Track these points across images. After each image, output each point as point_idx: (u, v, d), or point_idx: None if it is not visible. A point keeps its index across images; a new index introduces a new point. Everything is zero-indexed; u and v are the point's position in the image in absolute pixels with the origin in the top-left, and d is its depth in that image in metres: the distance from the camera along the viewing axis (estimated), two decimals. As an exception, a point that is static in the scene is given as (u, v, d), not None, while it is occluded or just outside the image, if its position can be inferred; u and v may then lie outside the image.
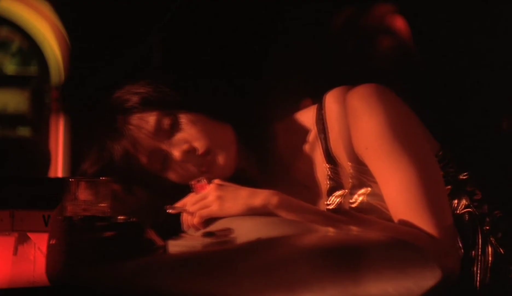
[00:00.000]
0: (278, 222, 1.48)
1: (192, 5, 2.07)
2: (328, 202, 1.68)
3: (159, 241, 1.46)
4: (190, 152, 1.64)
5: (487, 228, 1.58)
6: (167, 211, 1.58)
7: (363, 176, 1.61)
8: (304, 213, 1.52)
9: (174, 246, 1.44)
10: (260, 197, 1.52)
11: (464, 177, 1.62)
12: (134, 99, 1.67)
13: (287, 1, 2.09)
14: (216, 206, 1.53)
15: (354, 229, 1.49)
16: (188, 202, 1.57)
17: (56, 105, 2.67)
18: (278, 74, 2.00)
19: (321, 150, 1.68)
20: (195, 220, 1.54)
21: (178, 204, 1.59)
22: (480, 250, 1.56)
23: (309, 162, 1.71)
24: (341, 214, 1.61)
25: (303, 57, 2.02)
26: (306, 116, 1.72)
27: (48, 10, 2.45)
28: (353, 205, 1.63)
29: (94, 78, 1.98)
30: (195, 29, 2.08)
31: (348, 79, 1.66)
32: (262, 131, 1.72)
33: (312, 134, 1.70)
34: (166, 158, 1.66)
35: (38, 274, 1.64)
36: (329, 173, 1.67)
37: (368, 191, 1.61)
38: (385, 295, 1.16)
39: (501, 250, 1.56)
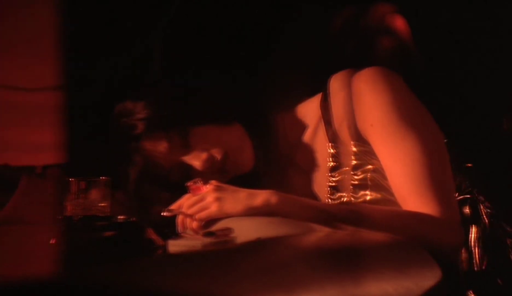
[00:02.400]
0: (278, 222, 1.48)
1: (191, 4, 2.07)
2: (330, 182, 1.69)
3: (159, 241, 1.46)
4: (209, 160, 1.66)
5: (488, 213, 1.58)
6: (163, 213, 1.58)
7: (365, 154, 1.62)
8: (304, 211, 1.52)
9: (174, 246, 1.44)
10: (260, 197, 1.52)
11: (469, 165, 1.63)
12: (141, 126, 1.69)
13: (287, 1, 2.09)
14: (215, 207, 1.53)
15: (355, 225, 1.49)
16: (185, 204, 1.57)
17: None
18: (281, 69, 2.00)
19: (325, 131, 1.69)
20: (194, 224, 1.54)
21: (174, 206, 1.59)
22: (481, 234, 1.56)
23: (312, 144, 1.73)
24: (343, 205, 1.62)
25: (306, 52, 2.03)
26: (311, 103, 1.75)
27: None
28: (355, 183, 1.64)
29: (93, 78, 1.98)
30: (196, 27, 2.08)
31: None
32: (269, 123, 1.74)
33: (316, 118, 1.72)
34: (187, 170, 1.68)
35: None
36: (332, 152, 1.68)
37: (371, 169, 1.62)
38: (385, 295, 1.16)
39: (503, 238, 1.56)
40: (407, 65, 1.95)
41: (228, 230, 1.46)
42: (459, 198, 1.59)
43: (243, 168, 1.70)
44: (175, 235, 1.54)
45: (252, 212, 1.51)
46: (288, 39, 2.03)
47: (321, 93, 1.72)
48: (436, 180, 1.52)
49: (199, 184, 1.58)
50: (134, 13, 2.02)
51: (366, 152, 1.62)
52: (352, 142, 1.64)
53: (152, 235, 1.47)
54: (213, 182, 1.57)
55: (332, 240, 1.39)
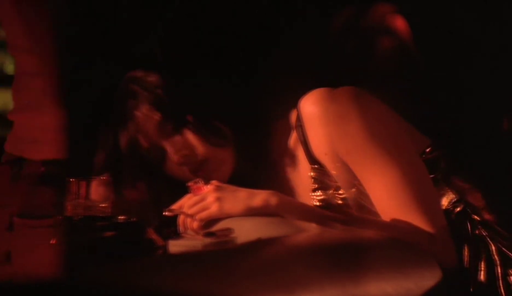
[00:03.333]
0: (278, 222, 1.49)
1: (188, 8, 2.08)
2: (314, 201, 1.67)
3: (159, 241, 1.46)
4: (187, 157, 1.65)
5: (477, 220, 1.58)
6: (164, 213, 1.58)
7: (346, 176, 1.60)
8: (304, 212, 1.53)
9: (174, 246, 1.44)
10: (260, 197, 1.52)
11: (455, 172, 1.62)
12: (144, 102, 1.68)
13: (286, 1, 2.09)
14: (216, 207, 1.53)
15: (353, 229, 1.50)
16: (186, 204, 1.57)
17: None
18: (280, 70, 2.00)
19: (303, 152, 1.66)
20: (195, 224, 1.54)
21: (175, 206, 1.59)
22: (470, 245, 1.55)
23: (293, 163, 1.70)
24: (340, 213, 1.61)
25: (301, 59, 2.03)
26: (290, 120, 1.70)
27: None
28: (339, 202, 1.62)
29: (93, 78, 1.98)
30: (196, 27, 2.08)
31: (343, 81, 1.65)
32: (261, 145, 1.72)
33: (294, 138, 1.69)
34: (163, 155, 1.67)
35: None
36: (313, 174, 1.65)
37: (354, 190, 1.61)
38: (384, 295, 1.16)
39: (492, 244, 1.55)
40: (407, 65, 1.95)
41: (228, 230, 1.47)
42: (448, 207, 1.59)
43: (215, 178, 1.68)
44: (176, 235, 1.54)
45: (252, 212, 1.51)
46: (288, 39, 2.03)
47: (295, 112, 1.69)
48: (420, 199, 1.50)
49: (200, 184, 1.58)
50: (134, 13, 2.02)
51: (347, 173, 1.60)
52: (332, 166, 1.61)
53: (152, 235, 1.47)
54: (214, 182, 1.57)
55: (332, 240, 1.40)
